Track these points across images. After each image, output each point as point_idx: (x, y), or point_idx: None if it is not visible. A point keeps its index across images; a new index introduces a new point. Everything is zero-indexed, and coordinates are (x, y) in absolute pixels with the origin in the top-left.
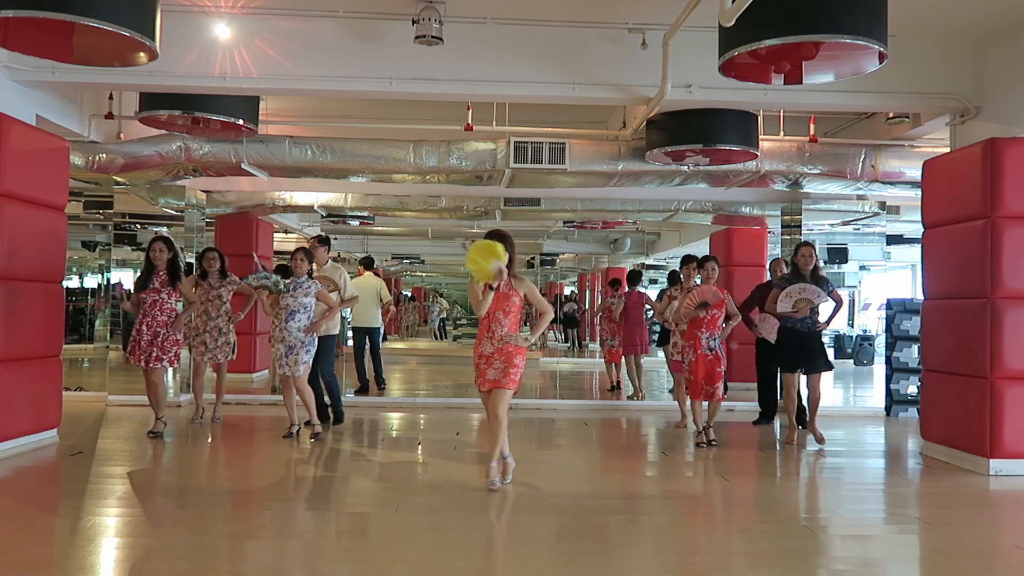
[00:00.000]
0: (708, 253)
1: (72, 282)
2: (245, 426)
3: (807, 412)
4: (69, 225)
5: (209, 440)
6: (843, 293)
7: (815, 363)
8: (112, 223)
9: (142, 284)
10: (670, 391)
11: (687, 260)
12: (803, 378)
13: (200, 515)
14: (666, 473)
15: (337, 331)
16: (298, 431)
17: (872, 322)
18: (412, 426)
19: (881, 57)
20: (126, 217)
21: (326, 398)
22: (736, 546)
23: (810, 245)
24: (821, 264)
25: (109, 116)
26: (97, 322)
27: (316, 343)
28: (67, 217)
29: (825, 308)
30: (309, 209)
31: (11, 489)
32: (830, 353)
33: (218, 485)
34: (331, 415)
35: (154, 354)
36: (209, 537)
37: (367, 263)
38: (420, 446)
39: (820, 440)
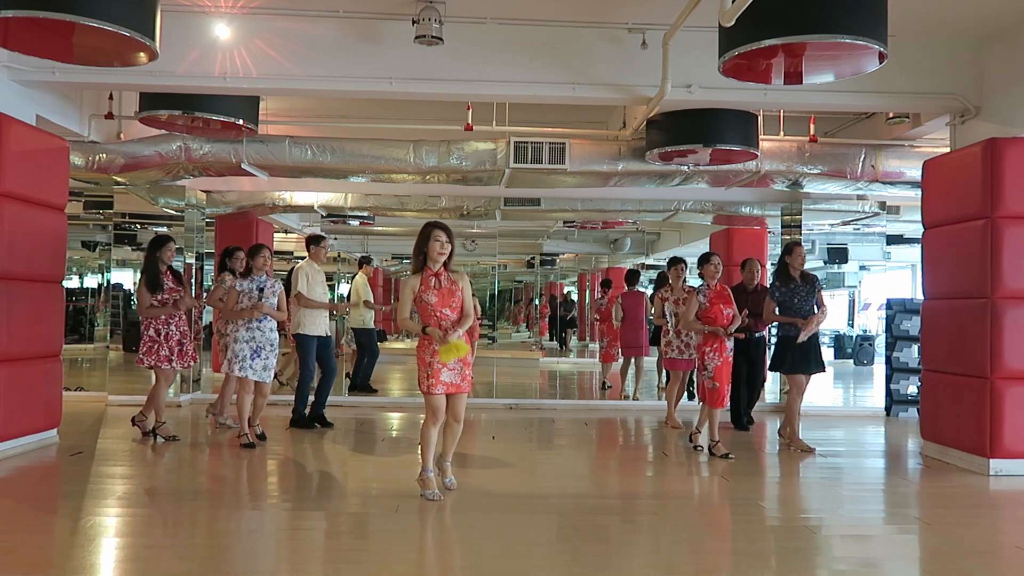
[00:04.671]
0: (705, 251)
1: (72, 282)
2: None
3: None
4: (69, 225)
5: (208, 441)
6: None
7: (817, 365)
8: (112, 223)
9: (157, 285)
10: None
11: (674, 262)
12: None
13: (199, 515)
14: (666, 473)
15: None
16: (262, 434)
17: (872, 322)
18: (412, 426)
19: (881, 57)
20: (126, 217)
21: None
22: (736, 546)
23: (802, 245)
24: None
25: (109, 116)
26: (97, 322)
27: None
28: (67, 217)
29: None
30: (309, 209)
31: (11, 489)
32: (829, 353)
33: (218, 485)
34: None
35: (190, 352)
36: (208, 537)
37: (361, 262)
38: (420, 446)
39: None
